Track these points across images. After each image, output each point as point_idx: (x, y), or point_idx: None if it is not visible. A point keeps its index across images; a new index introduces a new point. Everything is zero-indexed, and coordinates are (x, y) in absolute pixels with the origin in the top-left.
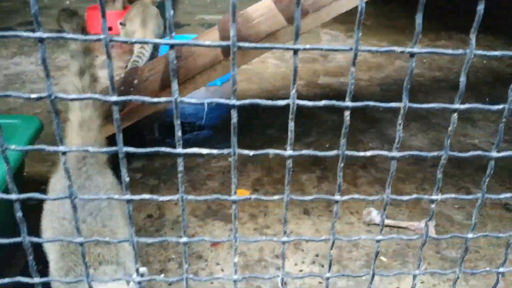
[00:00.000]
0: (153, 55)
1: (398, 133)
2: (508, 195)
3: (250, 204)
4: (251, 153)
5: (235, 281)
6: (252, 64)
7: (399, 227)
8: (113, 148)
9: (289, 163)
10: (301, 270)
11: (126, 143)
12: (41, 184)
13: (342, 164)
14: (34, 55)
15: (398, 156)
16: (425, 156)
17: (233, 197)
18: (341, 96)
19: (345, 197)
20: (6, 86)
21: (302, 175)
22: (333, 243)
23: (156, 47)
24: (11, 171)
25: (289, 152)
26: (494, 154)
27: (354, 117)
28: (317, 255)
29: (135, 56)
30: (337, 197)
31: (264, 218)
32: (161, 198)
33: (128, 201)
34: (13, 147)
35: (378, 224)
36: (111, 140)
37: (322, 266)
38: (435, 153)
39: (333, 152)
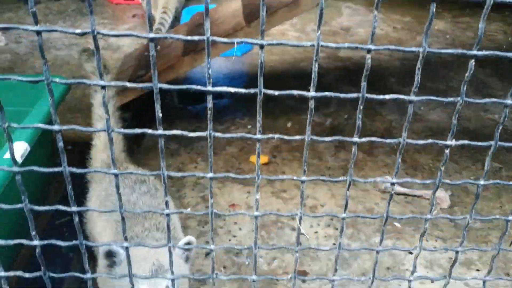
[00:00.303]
0: (173, 24)
1: (416, 77)
2: None
3: (268, 170)
4: (276, 93)
5: (256, 217)
6: (273, 36)
7: (414, 195)
8: (149, 84)
9: (312, 103)
10: (316, 232)
11: (147, 110)
12: (67, 144)
13: (361, 106)
14: (58, 23)
15: (415, 100)
16: (442, 101)
17: (258, 136)
18: (361, 69)
19: (363, 139)
20: (32, 52)
21: (319, 144)
22: (349, 184)
23: (177, 17)
24: (54, 104)
25: (312, 93)
26: (509, 101)
27: (373, 89)
28: (332, 219)
29: (158, 23)
30: (355, 139)
31: (281, 183)
32: (191, 134)
33: (160, 135)
34: (57, 80)
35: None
36: (133, 104)
37: (337, 229)
38: (451, 99)
39: (354, 94)
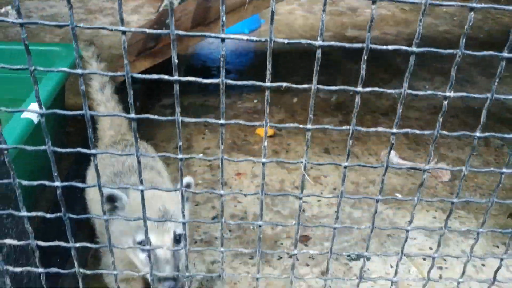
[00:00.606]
0: (182, 0)
1: (418, 28)
2: None
3: (273, 142)
4: (286, 41)
5: (263, 164)
6: (280, 15)
7: (416, 168)
8: (166, 31)
9: (318, 52)
10: (319, 200)
11: (156, 85)
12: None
13: (365, 56)
14: None
15: (417, 51)
16: (441, 53)
17: (267, 84)
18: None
19: (366, 89)
20: (42, 26)
21: (324, 119)
22: (352, 133)
23: None
24: (78, 49)
25: (319, 42)
26: (505, 54)
27: (378, 67)
28: (334, 189)
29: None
30: (359, 88)
31: (286, 154)
32: (204, 81)
33: (175, 81)
34: (81, 25)
35: (395, 165)
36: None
37: (341, 208)
38: (450, 51)
39: (358, 45)
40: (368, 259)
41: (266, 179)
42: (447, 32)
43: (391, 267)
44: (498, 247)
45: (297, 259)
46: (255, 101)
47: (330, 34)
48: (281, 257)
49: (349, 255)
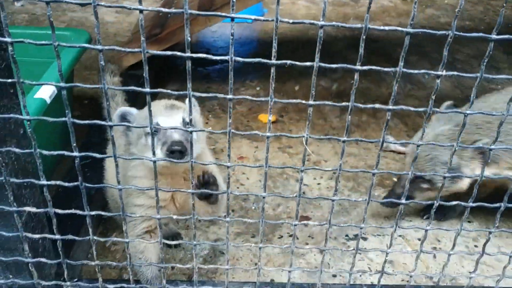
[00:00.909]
0: None
1: (413, 11)
2: (502, 76)
3: (275, 128)
4: (291, 21)
5: (267, 137)
6: (283, 5)
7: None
8: (180, 10)
9: (321, 31)
10: (319, 183)
11: (160, 71)
12: (84, 99)
13: (364, 36)
14: None
15: (412, 32)
16: (434, 34)
17: (273, 61)
18: (369, 39)
19: (365, 67)
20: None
21: (325, 106)
22: (351, 109)
23: None
24: (98, 26)
25: (321, 22)
26: (494, 36)
27: (379, 57)
28: (334, 173)
29: None
30: (357, 66)
31: (288, 139)
32: (214, 58)
33: (188, 57)
34: (102, 3)
35: (394, 151)
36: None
37: (339, 181)
38: (443, 32)
39: (358, 25)
40: (365, 239)
41: (268, 163)
42: (448, 24)
43: (387, 246)
44: (484, 206)
45: (297, 238)
46: (257, 88)
47: None
48: (281, 236)
49: (347, 235)
